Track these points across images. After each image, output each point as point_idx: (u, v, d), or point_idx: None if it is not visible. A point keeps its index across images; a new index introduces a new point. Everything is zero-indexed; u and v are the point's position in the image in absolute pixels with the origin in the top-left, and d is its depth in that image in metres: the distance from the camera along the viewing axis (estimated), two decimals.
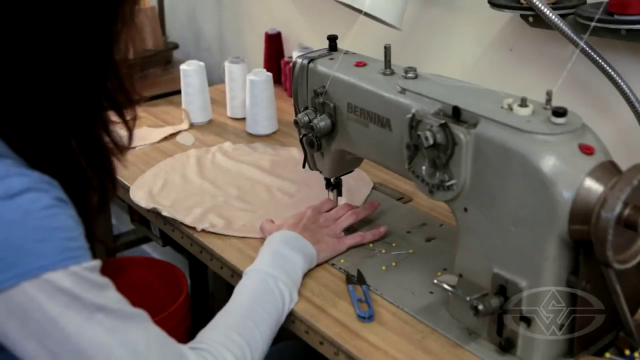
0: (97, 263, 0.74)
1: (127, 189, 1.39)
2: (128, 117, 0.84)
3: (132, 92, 0.83)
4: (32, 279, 0.68)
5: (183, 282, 1.84)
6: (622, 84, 1.09)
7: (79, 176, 0.79)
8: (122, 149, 0.84)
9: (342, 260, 1.11)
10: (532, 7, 1.11)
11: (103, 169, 0.83)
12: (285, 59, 1.89)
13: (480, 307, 0.87)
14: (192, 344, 0.87)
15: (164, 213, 1.26)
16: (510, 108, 0.87)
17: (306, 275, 1.08)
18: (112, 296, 0.75)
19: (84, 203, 0.79)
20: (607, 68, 1.09)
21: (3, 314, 0.69)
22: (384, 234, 1.17)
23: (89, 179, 0.81)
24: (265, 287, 0.99)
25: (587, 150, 0.82)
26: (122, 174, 1.45)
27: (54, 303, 0.69)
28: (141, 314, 0.77)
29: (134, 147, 1.57)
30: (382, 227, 1.18)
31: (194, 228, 1.22)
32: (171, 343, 0.80)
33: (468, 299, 0.89)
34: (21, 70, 0.72)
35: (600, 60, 1.09)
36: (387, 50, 1.05)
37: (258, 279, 1.00)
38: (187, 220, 1.23)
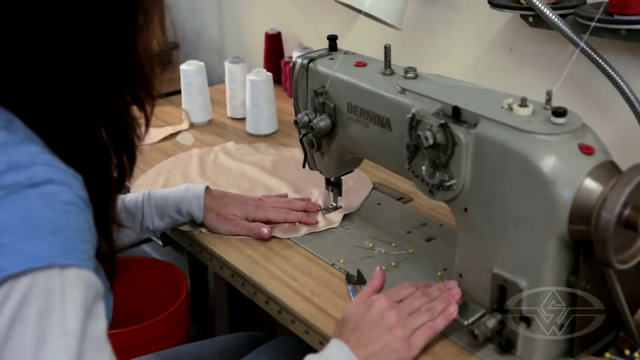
0: (96, 281, 0.69)
1: (127, 189, 1.39)
2: (147, 108, 0.84)
3: (153, 83, 0.83)
4: (27, 273, 0.64)
5: (183, 282, 1.84)
6: (622, 84, 1.09)
7: (102, 154, 0.80)
8: (141, 135, 0.85)
9: (342, 260, 1.11)
10: (532, 7, 1.11)
11: (124, 147, 0.83)
12: (285, 59, 1.89)
13: (477, 331, 0.87)
14: None
15: None
16: (510, 108, 0.87)
17: (306, 275, 1.08)
18: (96, 326, 0.69)
19: (105, 184, 0.80)
20: (607, 68, 1.09)
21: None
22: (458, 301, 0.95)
23: (110, 157, 0.82)
24: None
25: (587, 150, 0.82)
26: None
27: (41, 302, 0.65)
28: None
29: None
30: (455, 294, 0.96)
31: (193, 228, 1.22)
32: None
33: (466, 323, 0.89)
34: (45, 58, 0.72)
35: (600, 60, 1.09)
36: (387, 50, 1.05)
37: None
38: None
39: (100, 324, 0.69)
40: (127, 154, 0.84)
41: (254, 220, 1.21)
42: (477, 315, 0.91)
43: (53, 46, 0.72)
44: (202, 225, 1.21)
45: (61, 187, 0.68)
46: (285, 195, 1.29)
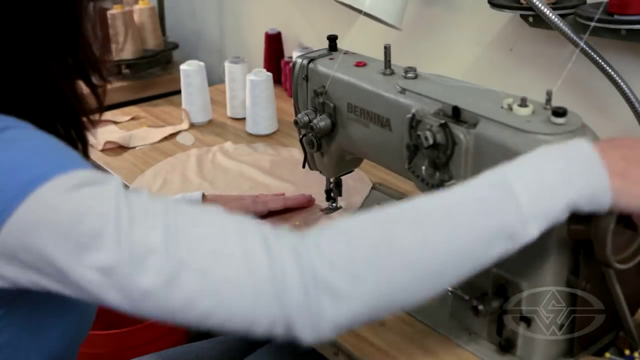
0: (87, 170, 0.68)
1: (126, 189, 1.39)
2: (98, 89, 0.82)
3: (103, 62, 0.81)
4: (27, 198, 0.64)
5: None
6: (622, 84, 1.09)
7: (50, 131, 0.76)
8: (91, 109, 0.82)
9: None
10: (532, 7, 1.11)
11: (71, 125, 0.80)
12: (285, 59, 1.89)
13: (480, 307, 0.87)
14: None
15: None
16: (510, 108, 0.87)
17: None
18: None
19: None
20: (607, 68, 1.09)
21: (18, 246, 0.65)
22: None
23: (60, 134, 0.79)
24: (488, 207, 0.68)
25: None
26: (122, 173, 1.46)
27: (66, 206, 0.64)
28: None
29: (134, 147, 1.57)
30: None
31: None
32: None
33: (468, 298, 0.89)
34: None
35: (600, 60, 1.09)
36: (387, 50, 1.05)
37: (487, 188, 0.70)
38: None
39: (141, 194, 0.69)
40: (74, 127, 0.81)
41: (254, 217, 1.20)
42: (480, 294, 0.90)
43: None
44: None
45: (19, 130, 0.69)
46: (282, 194, 1.30)
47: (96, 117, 0.83)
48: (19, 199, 0.64)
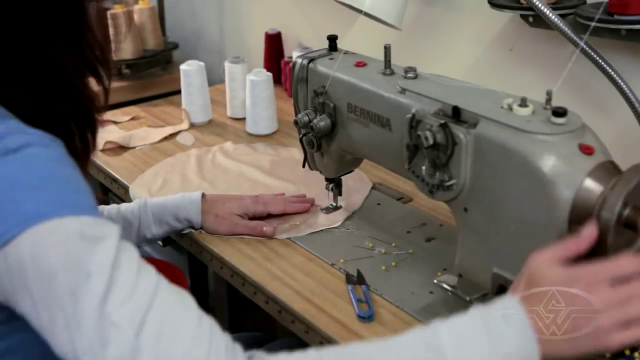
0: (98, 219, 0.69)
1: (126, 189, 1.40)
2: (105, 81, 0.83)
3: (109, 54, 0.82)
4: (28, 229, 0.65)
5: (183, 282, 1.84)
6: (622, 84, 1.09)
7: (63, 126, 0.79)
8: (100, 107, 0.83)
9: (342, 261, 1.11)
10: (532, 7, 1.11)
11: (84, 118, 0.81)
12: (285, 59, 1.89)
13: None
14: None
15: None
16: (510, 108, 0.87)
17: (306, 275, 1.08)
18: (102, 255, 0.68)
19: (70, 151, 0.78)
20: (607, 68, 1.09)
21: (4, 270, 0.66)
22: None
23: (72, 129, 0.80)
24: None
25: (587, 150, 0.82)
26: (122, 173, 1.46)
27: (55, 253, 0.65)
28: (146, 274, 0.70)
29: (134, 147, 1.57)
30: None
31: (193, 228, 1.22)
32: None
33: (468, 298, 0.89)
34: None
35: (600, 60, 1.09)
36: (387, 50, 1.05)
37: (421, 345, 0.73)
38: None
39: (131, 251, 0.69)
40: (88, 125, 0.81)
41: (254, 217, 1.21)
42: (480, 294, 0.90)
43: (3, 19, 0.72)
44: (202, 229, 1.21)
45: (40, 149, 0.69)
46: (282, 194, 1.30)
47: (102, 114, 0.84)
48: (17, 230, 0.65)
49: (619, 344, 0.71)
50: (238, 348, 0.70)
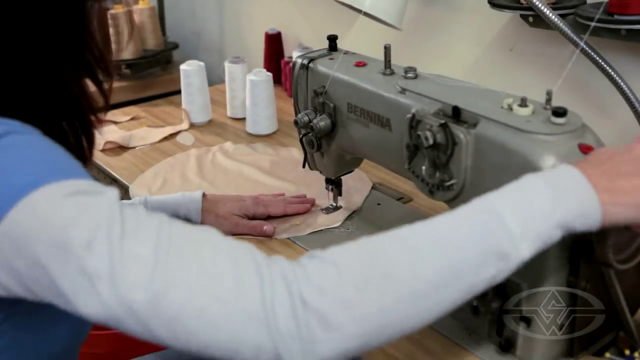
0: (86, 181, 0.67)
1: (126, 189, 1.39)
2: (105, 86, 0.82)
3: (110, 60, 0.81)
4: (17, 203, 0.63)
5: None
6: (622, 84, 1.09)
7: (58, 133, 0.77)
8: (100, 112, 0.82)
9: None
10: (532, 7, 1.11)
11: (81, 126, 0.80)
12: (285, 59, 1.89)
13: (480, 307, 0.87)
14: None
15: None
16: (510, 108, 0.87)
17: None
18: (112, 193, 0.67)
19: None
20: (607, 68, 1.09)
21: (8, 251, 0.64)
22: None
23: (68, 137, 0.79)
24: (480, 235, 0.67)
25: (587, 150, 0.82)
26: (122, 173, 1.46)
27: (59, 210, 0.63)
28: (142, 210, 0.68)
29: (134, 147, 1.58)
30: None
31: None
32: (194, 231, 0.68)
33: None
34: None
35: (600, 60, 1.09)
36: (387, 50, 1.05)
37: (477, 218, 0.69)
38: None
39: (137, 208, 0.67)
40: (84, 134, 0.80)
41: (254, 217, 1.21)
42: (480, 294, 0.90)
43: (5, 30, 0.71)
44: None
45: (20, 135, 0.68)
46: (282, 195, 1.30)
47: (102, 115, 0.83)
48: (11, 203, 0.63)
49: None
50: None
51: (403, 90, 0.99)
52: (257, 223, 1.19)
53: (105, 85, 0.82)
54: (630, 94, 1.09)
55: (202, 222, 1.19)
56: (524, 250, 0.67)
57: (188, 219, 1.18)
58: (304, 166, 1.24)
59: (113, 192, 0.68)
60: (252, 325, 0.62)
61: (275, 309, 0.62)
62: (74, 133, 0.79)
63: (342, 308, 0.62)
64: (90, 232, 0.63)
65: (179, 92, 1.76)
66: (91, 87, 0.81)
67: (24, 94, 0.74)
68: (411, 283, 0.65)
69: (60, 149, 0.71)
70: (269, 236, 1.18)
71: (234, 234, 1.19)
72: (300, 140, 1.19)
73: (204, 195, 1.20)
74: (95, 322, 0.66)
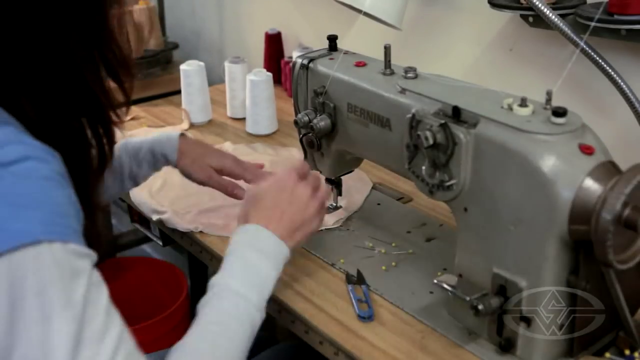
0: (77, 247, 0.68)
1: None
2: (126, 86, 0.83)
3: (130, 60, 0.82)
4: (8, 251, 0.63)
5: (183, 282, 1.84)
6: (622, 84, 1.09)
7: (80, 138, 0.78)
8: (121, 114, 0.84)
9: (342, 260, 1.11)
10: (532, 7, 1.11)
11: (103, 131, 0.81)
12: (285, 59, 1.89)
13: (480, 307, 0.87)
14: None
15: (162, 217, 1.26)
16: (510, 108, 0.87)
17: (306, 275, 1.08)
18: (99, 293, 0.69)
19: (84, 164, 0.79)
20: (607, 68, 1.09)
21: None
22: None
23: (89, 141, 0.80)
24: (236, 315, 0.87)
25: (587, 150, 0.82)
26: None
27: (36, 279, 0.64)
28: (114, 320, 0.70)
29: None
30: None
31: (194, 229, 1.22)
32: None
33: (468, 299, 0.89)
34: (14, 37, 0.71)
35: (600, 60, 1.09)
36: (387, 50, 1.05)
37: (228, 302, 0.88)
38: (182, 225, 1.23)
39: (102, 291, 0.69)
40: (105, 133, 0.81)
41: (229, 175, 1.17)
42: (480, 294, 0.90)
43: (22, 24, 0.71)
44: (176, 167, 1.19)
45: (37, 163, 0.67)
46: (262, 165, 1.25)
47: (123, 113, 0.84)
48: (3, 248, 0.63)
49: (318, 226, 1.02)
50: None
51: (403, 90, 0.99)
52: (229, 182, 1.16)
53: (126, 84, 0.83)
54: (630, 94, 1.09)
55: (177, 162, 1.16)
56: (262, 312, 0.90)
57: (164, 156, 1.17)
58: None
59: (88, 270, 0.68)
60: None
61: None
62: (93, 130, 0.80)
63: None
64: (52, 311, 0.64)
65: (179, 92, 1.76)
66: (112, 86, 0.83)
67: (44, 89, 0.74)
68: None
69: (66, 188, 0.70)
70: (239, 199, 1.13)
71: (203, 185, 1.17)
72: (300, 140, 1.19)
73: (182, 135, 1.18)
74: None
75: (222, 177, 1.17)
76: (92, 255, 0.69)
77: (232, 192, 1.15)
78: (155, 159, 1.17)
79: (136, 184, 1.20)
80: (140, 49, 1.84)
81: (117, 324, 0.69)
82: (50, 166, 0.68)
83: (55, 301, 0.64)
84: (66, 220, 0.68)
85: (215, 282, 0.90)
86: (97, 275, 0.69)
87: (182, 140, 1.17)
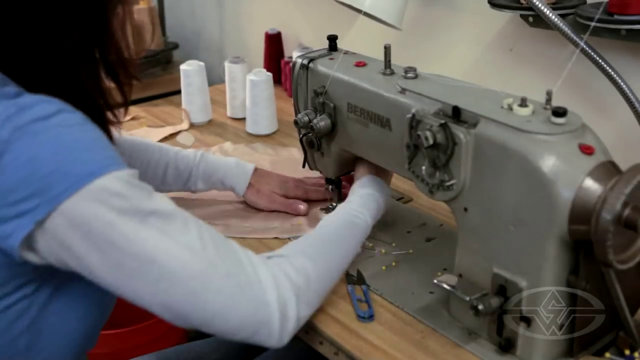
0: (136, 171, 0.77)
1: None
2: (125, 88, 0.88)
3: (131, 62, 0.86)
4: (85, 186, 0.71)
5: None
6: (622, 84, 1.09)
7: None
8: (118, 114, 0.88)
9: None
10: (532, 7, 1.11)
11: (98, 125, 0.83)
12: (285, 59, 1.89)
13: (480, 307, 0.87)
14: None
15: None
16: (510, 108, 0.87)
17: None
18: (159, 200, 0.78)
19: None
20: (607, 68, 1.09)
21: (65, 229, 0.72)
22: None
23: None
24: (350, 220, 1.03)
25: (587, 150, 0.82)
26: None
27: (109, 209, 0.72)
28: (190, 215, 0.81)
29: None
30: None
31: None
32: (227, 240, 0.84)
33: (468, 299, 0.89)
34: (13, 30, 0.76)
35: (600, 60, 1.09)
36: (387, 50, 1.05)
37: (344, 211, 1.05)
38: None
39: (167, 201, 0.79)
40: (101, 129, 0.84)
41: (293, 198, 1.26)
42: (480, 294, 0.90)
43: (21, 21, 0.76)
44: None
45: (70, 114, 0.74)
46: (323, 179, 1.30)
47: (121, 114, 0.88)
48: (72, 190, 0.71)
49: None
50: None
51: (403, 90, 0.99)
52: (293, 201, 1.24)
53: (126, 86, 0.87)
54: (630, 94, 1.09)
55: (245, 194, 1.25)
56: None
57: (232, 189, 1.25)
58: (303, 166, 1.24)
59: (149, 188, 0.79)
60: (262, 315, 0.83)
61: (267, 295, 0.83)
62: None
63: (305, 304, 0.88)
64: (140, 224, 0.75)
65: (179, 92, 1.76)
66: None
67: (39, 85, 0.77)
68: (342, 267, 1.01)
69: (97, 128, 0.77)
70: (303, 215, 1.24)
71: (270, 210, 1.25)
72: (300, 140, 1.19)
73: (255, 169, 1.26)
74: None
75: (284, 198, 1.26)
76: (137, 171, 0.78)
77: (295, 209, 1.24)
78: (223, 186, 1.26)
79: (191, 192, 1.28)
80: (142, 50, 1.84)
81: (192, 217, 0.80)
82: (80, 114, 0.75)
83: (139, 212, 0.74)
84: (115, 152, 0.76)
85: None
86: (145, 184, 0.78)
87: (254, 175, 1.26)
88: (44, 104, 0.73)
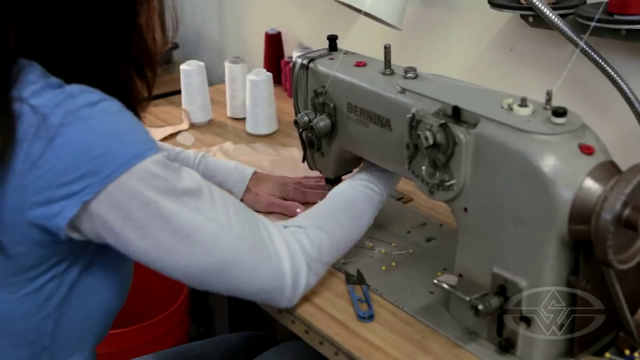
0: (167, 152, 0.84)
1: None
2: (150, 80, 0.91)
3: (154, 55, 0.90)
4: (131, 168, 0.76)
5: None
6: (622, 84, 1.09)
7: None
8: (143, 102, 0.92)
9: (341, 261, 1.11)
10: (532, 7, 1.11)
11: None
12: (285, 59, 1.89)
13: (480, 307, 0.87)
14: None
15: None
16: (510, 108, 0.87)
17: None
18: (188, 177, 0.83)
19: None
20: (607, 68, 1.09)
21: (108, 208, 0.77)
22: None
23: None
24: (368, 194, 1.08)
25: (587, 150, 0.82)
26: None
27: (151, 189, 0.78)
28: (213, 187, 0.87)
29: None
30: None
31: None
32: (247, 210, 0.91)
33: (468, 299, 0.89)
34: (55, 31, 0.80)
35: (600, 60, 1.09)
36: (387, 50, 1.05)
37: (361, 183, 1.09)
38: None
39: (194, 176, 0.85)
40: None
41: (293, 201, 1.26)
42: (480, 294, 0.90)
43: (61, 23, 0.80)
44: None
45: (111, 102, 0.79)
46: (323, 178, 1.31)
47: (144, 108, 0.91)
48: (126, 167, 0.76)
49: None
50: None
51: (403, 90, 0.99)
52: (291, 204, 1.24)
53: (150, 79, 0.90)
54: (630, 94, 1.09)
55: (243, 197, 1.25)
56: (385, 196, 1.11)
57: (230, 192, 1.25)
58: (303, 161, 1.24)
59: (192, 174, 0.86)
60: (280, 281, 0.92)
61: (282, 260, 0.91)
62: None
63: (315, 274, 0.97)
64: (177, 202, 0.81)
65: (179, 92, 1.76)
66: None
67: (80, 78, 0.80)
68: (354, 240, 1.07)
69: (137, 120, 0.82)
70: None
71: (269, 212, 1.24)
72: (300, 135, 1.19)
73: (254, 173, 1.27)
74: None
75: (282, 200, 1.26)
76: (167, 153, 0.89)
77: (294, 212, 1.23)
78: (221, 189, 1.25)
79: None
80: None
81: (215, 189, 0.87)
82: (118, 102, 0.79)
83: (175, 192, 0.80)
84: (151, 136, 0.81)
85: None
86: (176, 164, 0.84)
87: (252, 179, 1.27)
88: (88, 92, 0.77)
